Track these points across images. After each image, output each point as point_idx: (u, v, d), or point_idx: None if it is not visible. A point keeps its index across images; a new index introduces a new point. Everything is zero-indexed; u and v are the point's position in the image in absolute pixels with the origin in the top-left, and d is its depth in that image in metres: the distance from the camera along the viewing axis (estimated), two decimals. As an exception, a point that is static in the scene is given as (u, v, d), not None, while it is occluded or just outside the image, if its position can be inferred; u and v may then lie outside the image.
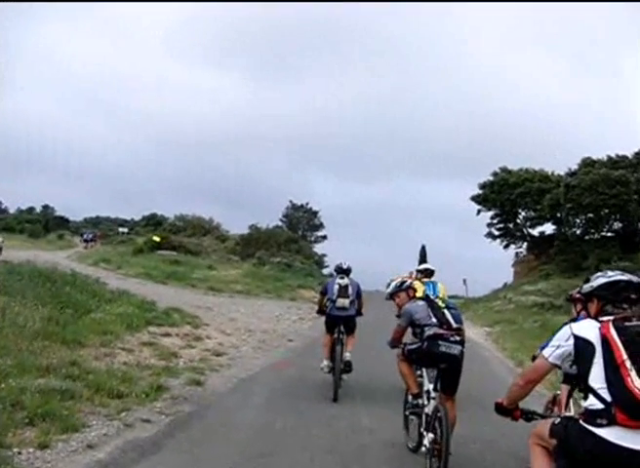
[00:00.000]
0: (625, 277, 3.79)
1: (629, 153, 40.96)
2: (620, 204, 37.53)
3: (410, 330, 6.93)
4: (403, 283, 7.42)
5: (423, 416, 6.38)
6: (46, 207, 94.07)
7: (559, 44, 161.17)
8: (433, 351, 6.36)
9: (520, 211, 46.54)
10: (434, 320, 6.54)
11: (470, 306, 35.29)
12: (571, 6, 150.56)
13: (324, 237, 63.48)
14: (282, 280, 32.89)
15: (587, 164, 41.13)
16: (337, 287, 9.93)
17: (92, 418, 6.94)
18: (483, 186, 46.32)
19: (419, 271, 10.91)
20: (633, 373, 3.32)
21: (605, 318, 3.62)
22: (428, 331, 6.46)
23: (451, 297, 41.84)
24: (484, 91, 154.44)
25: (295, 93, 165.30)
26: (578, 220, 41.89)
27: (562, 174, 43.27)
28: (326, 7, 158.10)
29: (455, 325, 6.56)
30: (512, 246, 48.68)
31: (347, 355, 9.68)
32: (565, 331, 3.71)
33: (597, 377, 3.44)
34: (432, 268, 10.94)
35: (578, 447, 3.46)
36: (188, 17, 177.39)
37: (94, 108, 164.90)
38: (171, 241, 42.10)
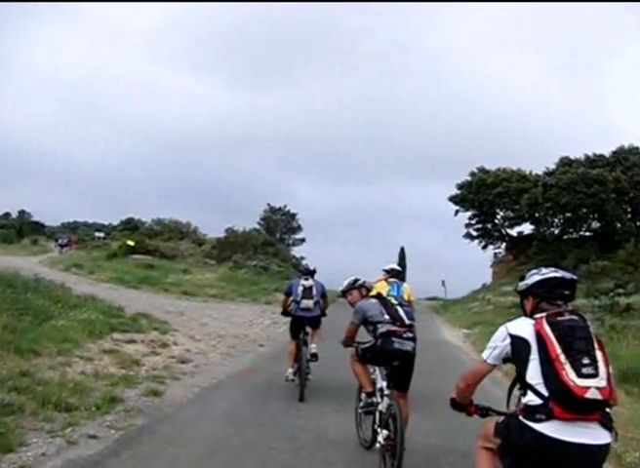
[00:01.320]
0: (559, 274, 3.85)
1: (607, 152, 40.98)
2: (598, 203, 37.45)
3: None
4: (356, 281, 7.49)
5: (377, 414, 6.39)
6: (22, 212, 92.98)
7: (537, 46, 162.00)
8: (387, 348, 6.45)
9: (498, 211, 46.48)
10: (387, 317, 6.63)
11: (449, 308, 35.04)
12: (550, 9, 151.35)
13: (302, 240, 63.28)
14: (258, 283, 32.46)
15: (565, 163, 41.06)
16: (301, 288, 9.98)
17: (32, 435, 6.37)
18: (461, 187, 46.17)
19: (385, 271, 10.81)
20: (568, 367, 3.38)
21: (539, 315, 3.70)
22: (381, 329, 6.55)
23: (430, 299, 41.83)
24: (463, 93, 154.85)
25: (276, 97, 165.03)
26: (556, 220, 41.79)
27: (540, 173, 43.24)
28: (317, 10, 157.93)
29: (407, 321, 6.66)
30: (491, 246, 48.66)
31: (313, 346, 9.87)
32: (501, 332, 3.81)
33: (534, 373, 3.52)
34: (398, 268, 11.06)
35: (518, 443, 3.54)
36: (179, 20, 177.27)
37: (75, 114, 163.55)
38: (145, 245, 41.45)
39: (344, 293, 7.59)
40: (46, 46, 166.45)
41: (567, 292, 3.81)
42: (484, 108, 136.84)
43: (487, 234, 48.11)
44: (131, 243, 41.08)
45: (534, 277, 3.90)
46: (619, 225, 39.50)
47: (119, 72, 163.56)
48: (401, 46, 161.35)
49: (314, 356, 9.78)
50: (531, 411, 3.48)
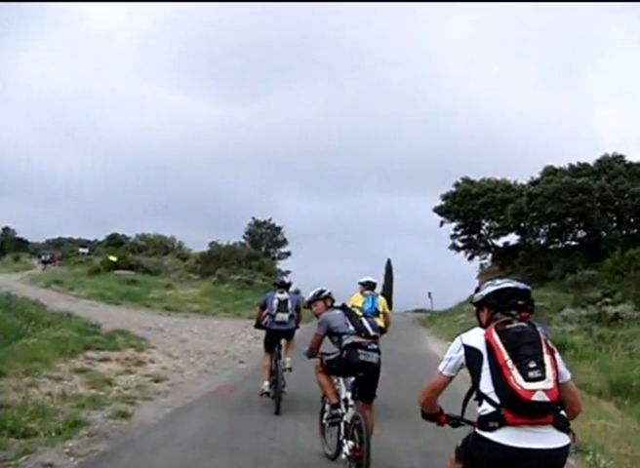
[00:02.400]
0: (512, 284, 3.90)
1: (591, 161, 40.90)
2: (583, 212, 37.34)
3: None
4: (321, 292, 7.52)
5: (342, 425, 6.39)
6: (6, 229, 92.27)
7: (522, 57, 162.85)
8: (352, 360, 6.46)
9: (483, 221, 46.32)
10: (352, 328, 6.65)
11: (435, 320, 34.70)
12: (536, 19, 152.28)
13: (288, 253, 62.77)
14: (242, 298, 32.06)
15: (549, 172, 40.97)
16: (276, 301, 9.92)
17: (-19, 466, 5.93)
18: (445, 197, 45.97)
19: (360, 284, 10.82)
20: (515, 372, 3.41)
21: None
22: (347, 340, 6.56)
23: (417, 311, 41.54)
24: (448, 104, 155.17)
25: (260, 110, 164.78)
26: (541, 230, 41.67)
27: (524, 183, 43.16)
28: (300, 24, 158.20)
29: (372, 333, 6.68)
30: (477, 257, 48.41)
31: (288, 360, 9.96)
32: (456, 343, 3.83)
33: (486, 382, 3.53)
34: (374, 281, 11.00)
35: (477, 457, 3.54)
36: (160, 36, 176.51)
37: (59, 129, 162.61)
38: (128, 260, 41.00)
39: (310, 304, 7.65)
40: (29, 60, 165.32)
41: (521, 302, 3.80)
42: (468, 119, 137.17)
43: (472, 245, 47.90)
44: (113, 258, 40.65)
45: (488, 288, 3.94)
46: (604, 234, 39.39)
47: (103, 88, 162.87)
48: (385, 58, 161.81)
49: (289, 369, 9.86)
50: (485, 421, 3.49)
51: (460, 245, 47.93)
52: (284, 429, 8.16)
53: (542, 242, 42.08)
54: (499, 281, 3.98)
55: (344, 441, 6.18)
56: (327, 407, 6.91)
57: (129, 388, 10.39)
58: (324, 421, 7.01)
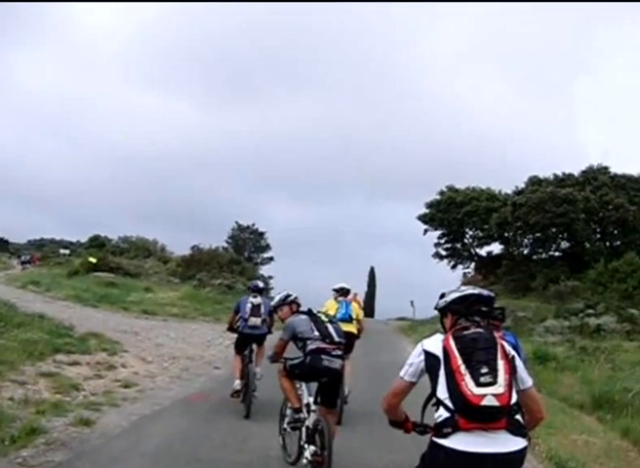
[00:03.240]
0: (476, 291, 3.93)
1: (576, 172, 40.93)
2: (567, 222, 37.34)
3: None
4: (287, 296, 7.50)
5: (304, 429, 6.38)
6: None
7: (508, 67, 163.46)
8: (316, 365, 6.46)
9: (467, 230, 46.31)
10: (317, 333, 6.63)
11: (417, 328, 34.34)
12: (520, 30, 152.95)
13: (271, 258, 62.58)
14: (222, 302, 31.51)
15: (534, 182, 41.00)
16: (249, 305, 9.99)
17: None
18: (430, 205, 45.91)
19: (334, 290, 10.73)
20: (467, 377, 3.40)
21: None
22: (311, 346, 6.54)
23: (399, 319, 41.23)
24: (434, 113, 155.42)
25: (246, 116, 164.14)
26: (525, 240, 41.65)
27: (509, 192, 43.19)
28: (282, 29, 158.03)
29: (337, 339, 6.67)
30: (460, 266, 48.40)
31: (258, 370, 9.86)
32: (417, 348, 3.80)
33: (442, 388, 3.52)
34: (347, 287, 10.88)
35: (433, 463, 3.53)
36: (149, 39, 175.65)
37: (44, 130, 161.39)
38: (108, 262, 40.44)
39: (275, 309, 7.69)
40: (9, 63, 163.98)
41: (484, 309, 3.83)
42: (454, 128, 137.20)
43: (456, 254, 47.85)
44: (93, 260, 40.04)
45: (452, 294, 3.95)
46: (588, 245, 39.38)
47: (89, 90, 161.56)
48: (371, 67, 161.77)
49: (259, 377, 9.82)
50: (440, 427, 3.49)
51: (444, 253, 47.90)
52: (254, 440, 7.81)
53: (526, 252, 42.12)
54: (463, 287, 4.03)
55: (306, 446, 6.19)
56: (288, 411, 6.89)
57: (96, 394, 10.01)
58: (285, 426, 6.96)
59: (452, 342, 3.57)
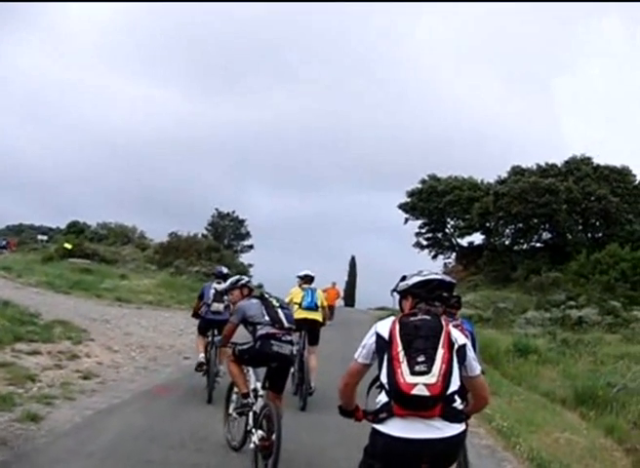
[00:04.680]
0: (439, 276, 3.96)
1: (559, 162, 40.65)
2: (549, 213, 37.11)
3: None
4: (238, 280, 7.44)
5: (251, 414, 6.35)
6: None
7: (491, 59, 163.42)
8: (266, 351, 6.44)
9: (449, 220, 46.08)
10: (267, 318, 6.60)
11: (396, 318, 34.02)
12: (503, 26, 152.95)
13: (250, 246, 61.92)
14: (198, 290, 30.94)
15: (517, 172, 40.73)
16: (213, 291, 10.09)
17: None
18: (411, 194, 45.57)
19: (299, 277, 10.79)
20: (404, 365, 3.41)
21: None
22: (261, 331, 6.51)
23: (379, 309, 40.91)
24: (417, 102, 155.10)
25: (229, 103, 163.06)
26: (507, 230, 41.42)
27: (492, 182, 42.88)
28: (268, 17, 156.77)
29: (287, 324, 6.65)
30: (441, 256, 48.18)
31: (222, 368, 9.42)
32: (372, 330, 3.79)
33: (384, 373, 3.53)
34: (312, 274, 10.84)
35: (373, 448, 3.56)
36: (131, 25, 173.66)
37: (23, 116, 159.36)
38: (84, 248, 39.78)
39: (227, 292, 7.83)
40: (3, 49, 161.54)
41: (445, 295, 3.89)
42: (436, 117, 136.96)
43: (437, 243, 47.61)
44: (68, 245, 39.36)
45: (414, 278, 3.95)
46: (570, 236, 39.16)
47: (69, 76, 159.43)
48: (354, 56, 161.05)
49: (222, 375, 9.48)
50: (378, 412, 3.53)
51: (425, 243, 47.64)
52: (214, 438, 7.22)
53: (507, 242, 41.91)
54: (425, 272, 4.01)
55: (253, 430, 6.12)
56: (235, 397, 6.87)
57: (52, 385, 9.41)
58: (231, 411, 6.92)
59: (397, 327, 3.57)
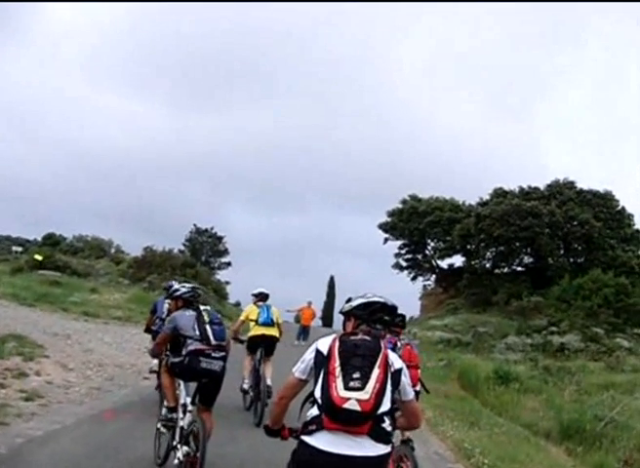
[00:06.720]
0: (382, 299, 4.03)
1: (541, 185, 40.31)
2: (531, 236, 36.73)
3: None
4: (175, 291, 7.30)
5: (178, 430, 6.30)
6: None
7: (474, 82, 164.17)
8: (194, 367, 6.34)
9: (429, 241, 45.67)
10: (197, 333, 6.46)
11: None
12: (485, 49, 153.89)
13: (228, 263, 61.07)
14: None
15: (499, 194, 40.35)
16: (166, 306, 9.69)
17: None
18: (391, 214, 45.12)
19: (253, 295, 11.04)
20: (339, 380, 3.48)
21: None
22: (190, 346, 6.39)
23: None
24: (399, 125, 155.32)
25: (211, 121, 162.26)
26: (488, 253, 40.95)
27: (473, 203, 42.48)
28: (249, 37, 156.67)
29: (214, 341, 6.47)
30: (420, 278, 47.68)
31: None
32: (312, 347, 3.85)
33: (318, 387, 3.59)
34: (266, 292, 11.11)
35: (298, 461, 3.61)
36: (102, 40, 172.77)
37: (3, 128, 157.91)
38: (55, 260, 38.76)
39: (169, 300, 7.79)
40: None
41: (387, 318, 3.99)
42: (418, 139, 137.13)
43: (417, 265, 47.15)
44: (38, 257, 38.45)
45: (358, 300, 4.04)
46: (551, 261, 38.76)
47: (45, 88, 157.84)
48: (338, 78, 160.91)
49: None
50: (307, 424, 3.56)
51: (404, 264, 47.12)
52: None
53: (488, 265, 41.46)
54: (369, 294, 4.09)
55: (179, 446, 6.06)
56: (164, 410, 6.78)
57: (-13, 408, 8.51)
58: (158, 425, 6.82)
59: (337, 344, 3.64)
